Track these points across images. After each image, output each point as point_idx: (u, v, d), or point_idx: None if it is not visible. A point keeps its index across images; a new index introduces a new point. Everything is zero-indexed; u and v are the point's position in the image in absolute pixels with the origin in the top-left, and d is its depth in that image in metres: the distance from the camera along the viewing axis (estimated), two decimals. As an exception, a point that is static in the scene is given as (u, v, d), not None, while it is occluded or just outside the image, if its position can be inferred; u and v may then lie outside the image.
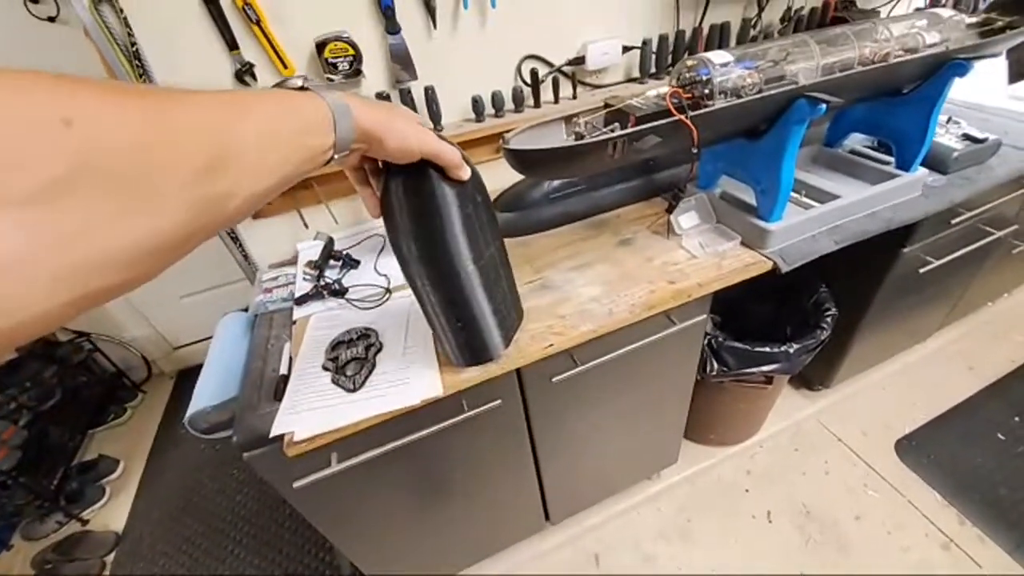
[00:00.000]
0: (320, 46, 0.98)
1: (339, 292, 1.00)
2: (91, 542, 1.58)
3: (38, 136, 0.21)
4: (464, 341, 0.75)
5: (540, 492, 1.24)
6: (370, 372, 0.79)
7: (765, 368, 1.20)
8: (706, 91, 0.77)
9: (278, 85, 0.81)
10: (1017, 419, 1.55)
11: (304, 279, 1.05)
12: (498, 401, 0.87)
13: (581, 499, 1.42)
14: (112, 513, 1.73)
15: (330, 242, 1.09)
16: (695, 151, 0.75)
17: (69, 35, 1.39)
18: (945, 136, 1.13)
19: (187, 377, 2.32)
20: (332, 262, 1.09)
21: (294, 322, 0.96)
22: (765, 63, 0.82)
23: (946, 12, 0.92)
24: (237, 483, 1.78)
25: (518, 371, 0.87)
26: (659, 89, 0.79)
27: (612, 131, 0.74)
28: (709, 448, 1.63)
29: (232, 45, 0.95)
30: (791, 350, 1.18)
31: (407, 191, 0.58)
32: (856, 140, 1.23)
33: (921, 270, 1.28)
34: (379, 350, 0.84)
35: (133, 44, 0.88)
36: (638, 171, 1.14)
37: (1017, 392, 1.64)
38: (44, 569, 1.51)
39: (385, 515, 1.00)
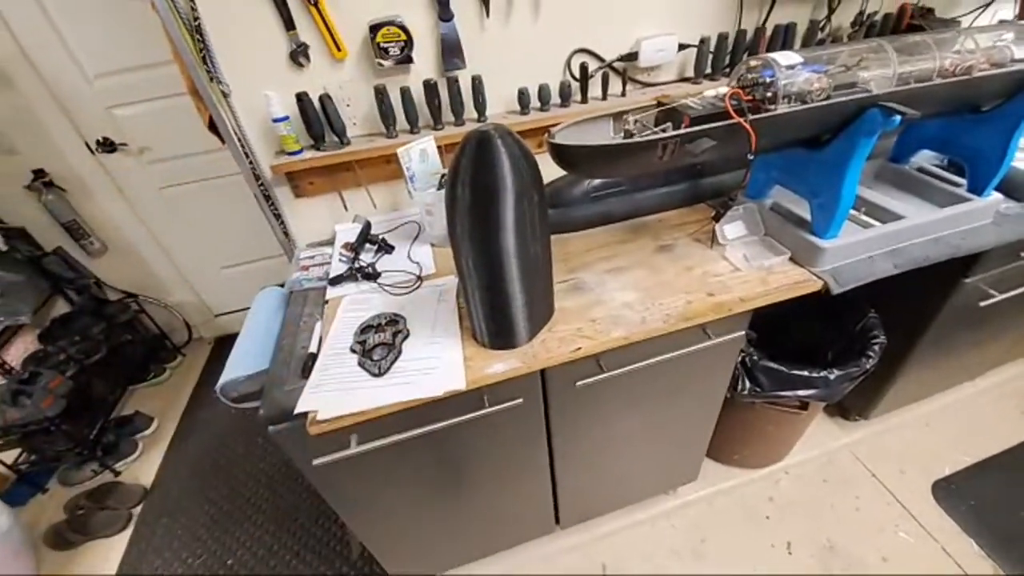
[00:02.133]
0: (373, 30, 0.98)
1: (372, 276, 1.01)
2: (121, 493, 1.67)
3: None
4: (491, 324, 0.77)
5: (552, 495, 1.23)
6: (396, 358, 0.79)
7: (801, 392, 1.14)
8: (768, 94, 0.73)
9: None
10: (1077, 474, 1.43)
11: (340, 260, 1.07)
12: (519, 400, 0.86)
13: (593, 506, 1.39)
14: (143, 467, 1.82)
15: (367, 226, 1.10)
16: (751, 157, 0.71)
17: (137, 7, 1.45)
18: (1023, 160, 1.04)
19: (224, 344, 2.42)
20: (368, 245, 1.10)
21: (327, 302, 0.98)
22: (836, 68, 0.77)
23: (1044, 24, 0.84)
24: (262, 451, 1.84)
25: (542, 372, 0.85)
26: (718, 89, 0.75)
27: (664, 131, 0.71)
28: (731, 468, 1.57)
29: (289, 25, 0.97)
30: (831, 376, 1.11)
31: (475, 171, 0.62)
32: (925, 157, 1.14)
33: (982, 303, 1.18)
34: (406, 337, 0.84)
35: (196, 19, 0.91)
36: (684, 175, 1.10)
37: (1079, 444, 1.51)
38: (75, 515, 1.60)
39: (397, 500, 1.00)
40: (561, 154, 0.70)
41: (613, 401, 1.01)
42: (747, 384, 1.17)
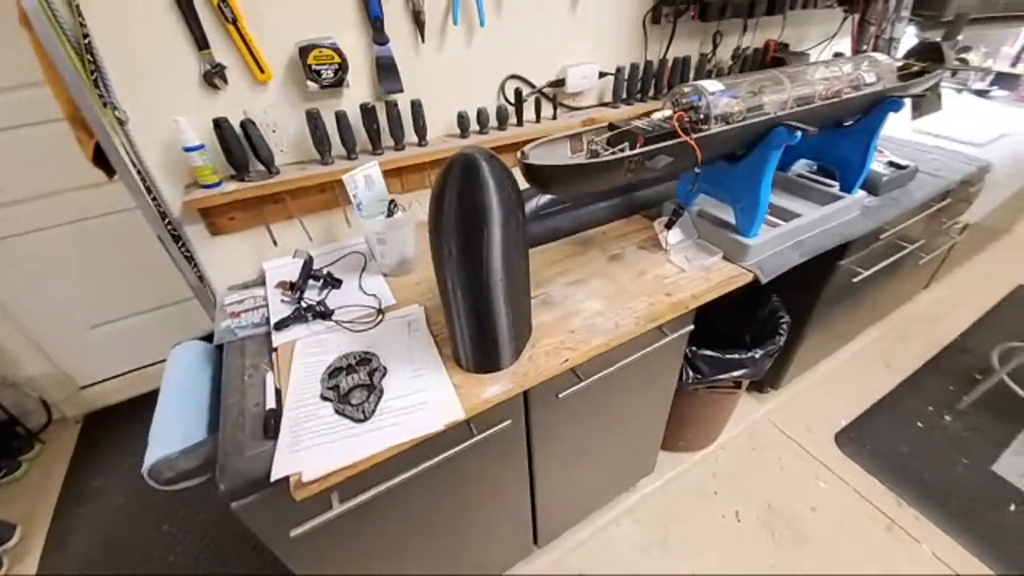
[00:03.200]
0: (304, 52, 0.92)
1: (325, 314, 0.92)
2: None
3: None
4: (479, 347, 0.76)
5: (532, 515, 1.21)
6: (379, 399, 0.73)
7: (735, 373, 1.28)
8: (701, 116, 0.83)
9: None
10: (931, 408, 1.78)
11: (282, 300, 0.96)
12: (508, 422, 0.84)
13: (567, 518, 1.40)
14: (8, 591, 1.42)
15: (309, 260, 1.01)
16: (697, 170, 0.80)
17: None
18: (875, 163, 1.30)
19: (97, 422, 2.00)
20: (312, 282, 1.00)
21: (275, 349, 0.87)
22: (745, 93, 0.90)
23: (882, 57, 1.08)
24: (169, 541, 1.54)
25: (525, 390, 0.85)
26: (663, 112, 0.83)
27: (621, 150, 0.77)
28: (678, 455, 1.69)
29: (202, 44, 0.86)
30: (757, 356, 1.27)
31: (461, 194, 0.61)
32: (800, 165, 1.38)
33: (854, 280, 1.45)
34: (384, 374, 0.78)
35: (86, 36, 0.77)
36: (619, 190, 1.19)
37: (928, 385, 1.89)
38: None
39: (383, 555, 0.91)
40: (536, 174, 0.71)
41: (586, 409, 1.04)
42: (690, 374, 1.28)
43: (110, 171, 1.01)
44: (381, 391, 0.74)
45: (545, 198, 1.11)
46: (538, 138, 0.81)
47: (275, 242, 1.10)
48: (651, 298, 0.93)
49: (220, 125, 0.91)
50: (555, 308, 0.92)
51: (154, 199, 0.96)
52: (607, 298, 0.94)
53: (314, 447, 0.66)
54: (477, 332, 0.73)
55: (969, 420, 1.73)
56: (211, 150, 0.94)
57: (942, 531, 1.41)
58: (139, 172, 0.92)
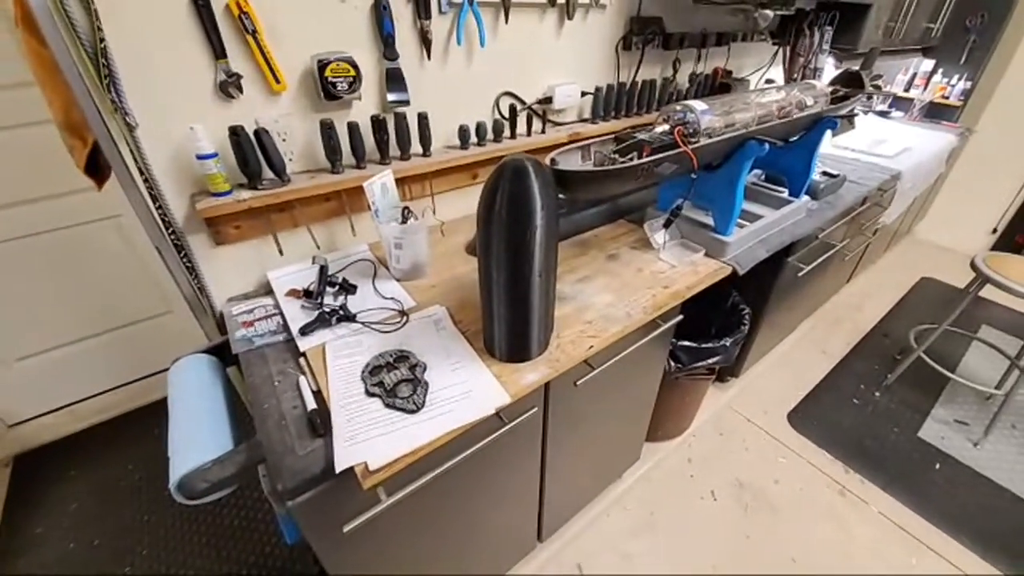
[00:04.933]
0: (322, 65, 0.94)
1: (349, 318, 0.94)
2: None
3: None
4: (514, 338, 0.82)
5: (539, 507, 1.26)
6: (426, 391, 0.77)
7: (710, 361, 1.42)
8: (691, 131, 0.96)
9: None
10: (863, 387, 2.06)
11: (303, 307, 0.96)
12: (535, 409, 0.90)
13: (566, 511, 1.46)
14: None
15: (326, 266, 1.01)
16: (694, 176, 0.92)
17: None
18: (816, 173, 1.53)
19: (30, 463, 1.78)
20: (327, 288, 1.01)
21: (303, 354, 0.87)
22: (720, 112, 1.05)
23: (817, 83, 1.29)
24: (138, 583, 1.42)
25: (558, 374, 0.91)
26: (662, 127, 0.95)
27: (632, 159, 0.87)
28: (657, 443, 1.82)
29: (220, 54, 0.87)
30: (728, 343, 1.42)
31: (512, 196, 0.67)
32: (752, 175, 1.58)
33: (799, 275, 1.66)
34: (425, 369, 0.81)
35: (102, 41, 0.76)
36: (610, 197, 1.30)
37: (858, 366, 2.18)
38: None
39: (413, 554, 0.93)
40: (566, 179, 0.80)
41: (593, 397, 1.12)
42: (672, 364, 1.41)
43: (100, 180, 0.97)
44: (427, 384, 0.78)
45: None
46: (531, 150, 0.89)
47: (281, 251, 1.10)
48: (652, 290, 1.04)
49: (237, 133, 0.91)
50: (569, 303, 1.00)
51: (159, 207, 0.93)
52: (614, 292, 1.03)
53: (373, 438, 0.69)
54: (515, 323, 0.79)
55: (895, 394, 2.01)
56: (224, 158, 0.93)
57: (884, 491, 1.64)
58: (145, 180, 0.90)
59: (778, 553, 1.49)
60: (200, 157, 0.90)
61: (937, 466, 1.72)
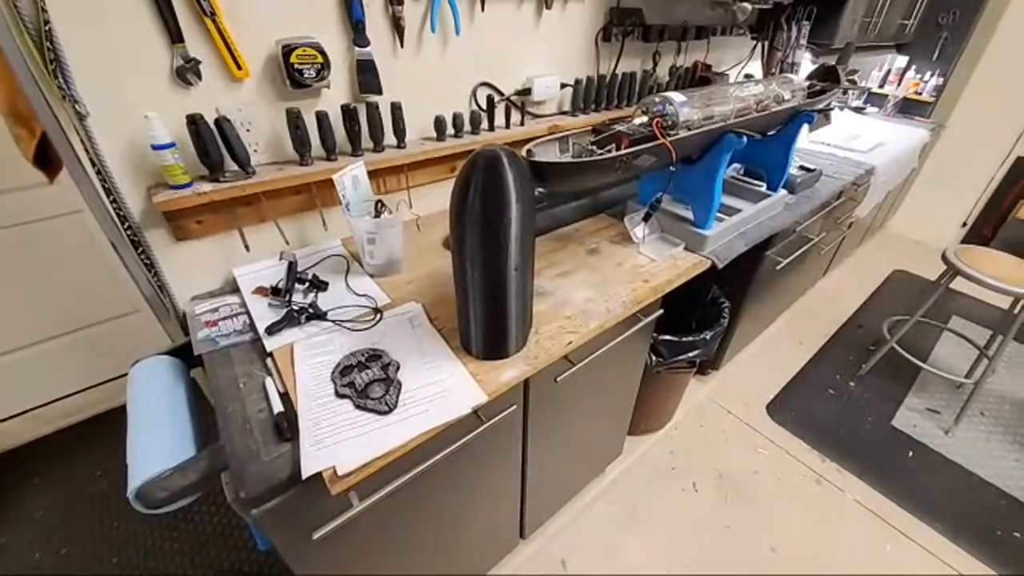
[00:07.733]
0: (287, 51, 0.90)
1: (319, 316, 0.90)
2: None
3: None
4: (491, 335, 0.80)
5: (521, 506, 1.25)
6: (399, 391, 0.74)
7: (691, 354, 1.43)
8: (670, 123, 0.94)
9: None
10: (838, 377, 2.10)
11: (270, 305, 0.92)
12: (514, 407, 0.88)
13: (548, 507, 1.45)
14: None
15: (294, 262, 0.97)
16: (673, 168, 0.91)
17: None
18: (793, 167, 1.53)
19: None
20: (297, 285, 0.97)
21: (270, 354, 0.83)
22: (699, 104, 1.04)
23: (794, 77, 1.29)
24: (106, 592, 1.37)
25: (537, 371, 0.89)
26: (641, 119, 0.93)
27: (610, 151, 0.85)
28: (639, 437, 1.83)
29: (176, 37, 0.82)
30: (708, 337, 1.42)
31: (486, 187, 0.64)
32: (730, 170, 1.58)
33: (777, 268, 1.68)
34: (398, 368, 0.78)
35: (46, 23, 0.70)
36: (589, 191, 1.29)
37: (832, 357, 2.22)
38: None
39: (396, 555, 0.90)
40: (542, 170, 0.77)
41: (574, 393, 1.11)
42: (653, 358, 1.41)
43: (52, 173, 0.91)
44: (399, 384, 0.75)
45: (523, 198, 1.17)
46: (510, 142, 0.87)
47: (247, 246, 1.05)
48: (632, 285, 1.03)
49: (195, 122, 0.86)
50: (548, 298, 0.98)
51: (113, 201, 0.88)
52: (594, 286, 1.02)
53: (343, 442, 0.66)
54: (492, 319, 0.77)
55: (869, 384, 2.06)
56: (183, 148, 0.88)
57: (859, 479, 1.67)
58: (98, 172, 0.85)
59: (758, 543, 1.50)
60: (156, 147, 0.85)
61: (910, 453, 1.76)
